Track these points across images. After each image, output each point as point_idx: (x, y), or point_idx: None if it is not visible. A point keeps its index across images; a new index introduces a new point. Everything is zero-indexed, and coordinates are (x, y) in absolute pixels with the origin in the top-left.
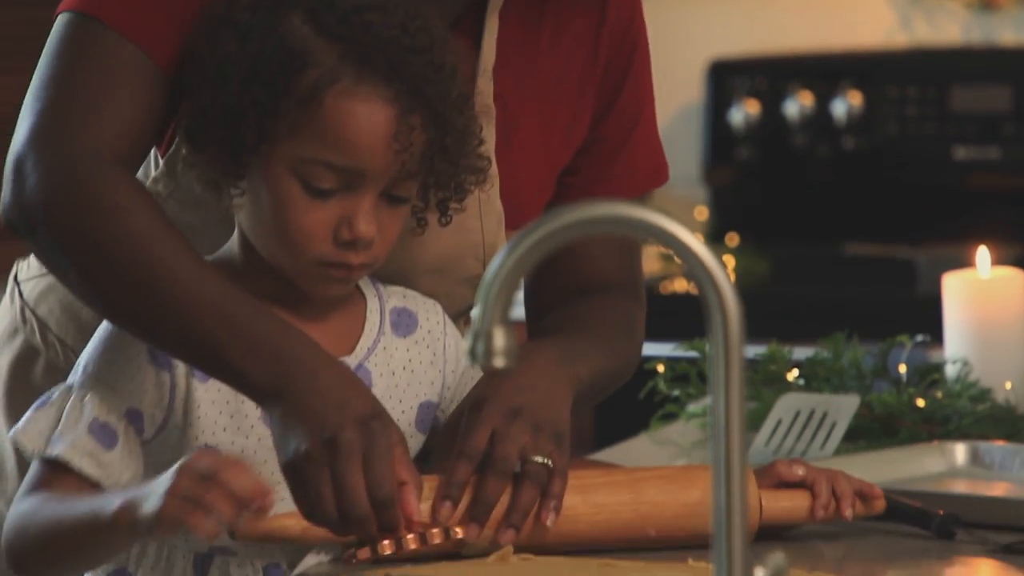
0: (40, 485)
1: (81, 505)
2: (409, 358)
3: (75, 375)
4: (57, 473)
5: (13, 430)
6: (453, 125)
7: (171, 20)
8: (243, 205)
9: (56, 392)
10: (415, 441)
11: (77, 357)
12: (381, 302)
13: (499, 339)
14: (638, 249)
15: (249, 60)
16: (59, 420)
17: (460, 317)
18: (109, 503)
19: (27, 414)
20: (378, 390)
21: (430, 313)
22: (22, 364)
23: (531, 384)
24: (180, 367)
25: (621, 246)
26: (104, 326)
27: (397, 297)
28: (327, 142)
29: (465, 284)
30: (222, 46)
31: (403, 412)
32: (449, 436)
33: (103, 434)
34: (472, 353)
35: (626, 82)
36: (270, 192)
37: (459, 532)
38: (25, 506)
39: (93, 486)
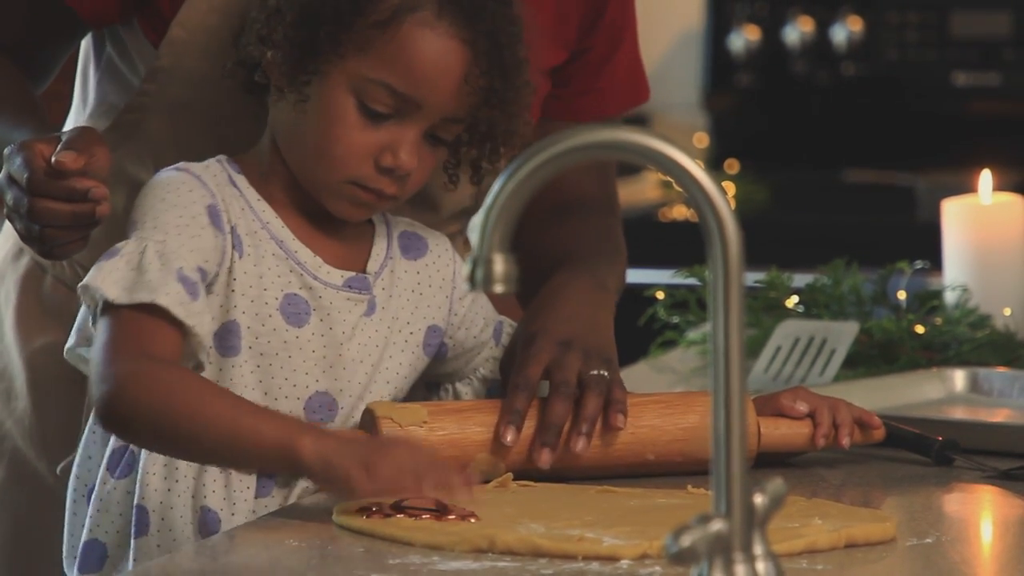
0: (128, 335)
1: (244, 415)
2: (418, 281)
3: (137, 229)
4: (142, 321)
5: (83, 281)
6: (513, 82)
7: None
8: (288, 108)
9: (123, 245)
10: (421, 363)
11: (83, 270)
12: (388, 227)
13: (499, 265)
14: (613, 165)
15: None
16: (137, 270)
17: (456, 216)
18: (279, 432)
19: (97, 265)
20: (387, 311)
21: (439, 240)
22: (30, 282)
23: (576, 314)
24: (229, 235)
25: (597, 161)
26: (148, 188)
27: (405, 224)
28: (395, 67)
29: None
30: None
31: (411, 333)
32: (503, 376)
33: (188, 284)
34: (472, 279)
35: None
36: (324, 105)
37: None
38: (163, 372)
39: (180, 334)
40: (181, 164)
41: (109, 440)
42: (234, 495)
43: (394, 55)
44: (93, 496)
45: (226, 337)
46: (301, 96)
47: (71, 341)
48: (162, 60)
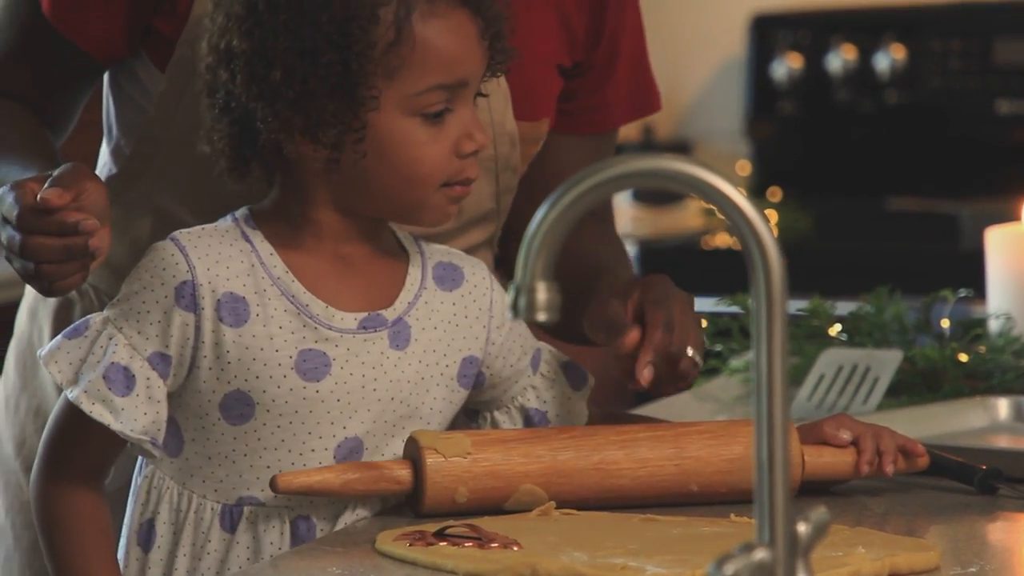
0: (63, 428)
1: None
2: (454, 312)
3: (114, 305)
4: (76, 413)
5: (40, 351)
6: (500, 12)
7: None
8: (346, 166)
9: (90, 321)
10: (457, 395)
11: (108, 298)
12: (423, 258)
13: (542, 294)
14: None
15: (325, 30)
16: (85, 357)
17: (478, 220)
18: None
19: (56, 339)
20: (420, 344)
21: (476, 268)
22: (62, 313)
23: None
24: (207, 309)
25: None
26: (148, 251)
27: (441, 253)
28: (432, 67)
29: (478, 167)
30: (296, 27)
31: (446, 366)
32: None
33: (120, 379)
34: (514, 307)
35: (607, 10)
36: (388, 141)
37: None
38: (64, 506)
39: (107, 431)
40: (180, 232)
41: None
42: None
43: (423, 59)
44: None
45: (233, 407)
46: (358, 151)
47: (43, 349)
48: (169, 83)
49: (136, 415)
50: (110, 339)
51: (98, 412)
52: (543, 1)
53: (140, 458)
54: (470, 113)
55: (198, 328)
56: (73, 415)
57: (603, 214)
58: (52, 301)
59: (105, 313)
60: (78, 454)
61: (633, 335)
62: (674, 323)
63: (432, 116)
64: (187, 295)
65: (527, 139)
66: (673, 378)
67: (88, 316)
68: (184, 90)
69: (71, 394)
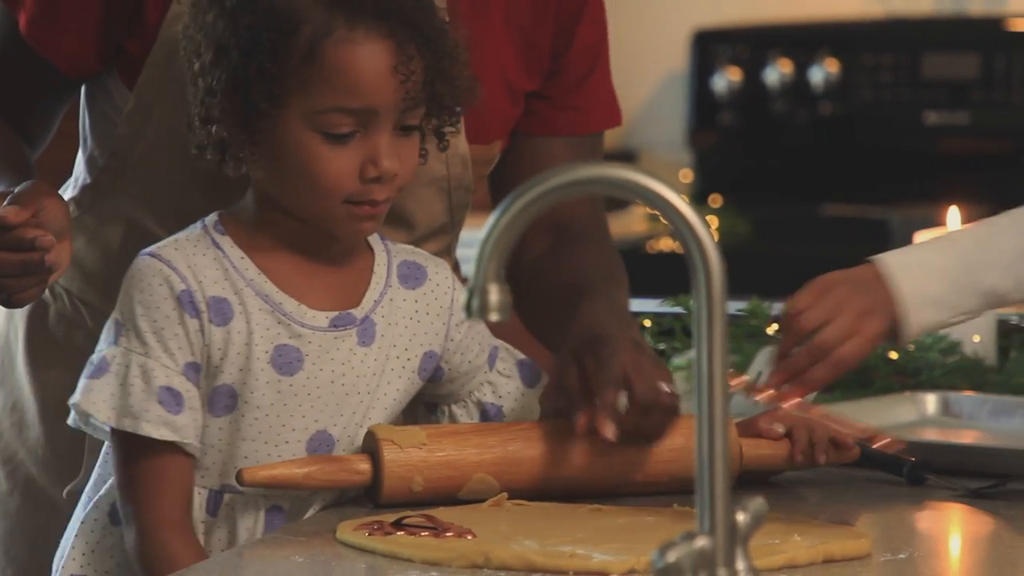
0: (131, 460)
1: None
2: (416, 309)
3: (118, 334)
4: (136, 443)
5: (73, 399)
6: (444, 47)
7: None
8: (258, 166)
9: (108, 357)
10: (414, 387)
11: (82, 303)
12: (389, 256)
13: (493, 295)
14: (599, 196)
15: (243, 35)
16: (122, 389)
17: (432, 234)
18: None
19: (85, 382)
20: (385, 339)
21: (439, 268)
22: (36, 316)
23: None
24: (205, 312)
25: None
26: (126, 278)
27: (406, 252)
28: (338, 90)
29: (430, 186)
30: (214, 27)
31: (408, 360)
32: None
33: (170, 399)
34: (468, 308)
35: (582, 18)
36: (293, 149)
37: None
38: (165, 547)
39: (173, 448)
40: (154, 248)
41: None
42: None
43: (331, 80)
44: (82, 531)
45: (219, 400)
46: (266, 154)
47: (76, 396)
48: (137, 102)
49: (192, 428)
50: (141, 367)
51: (167, 434)
52: (503, 25)
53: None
54: (382, 140)
55: (201, 331)
56: (142, 450)
57: (594, 233)
58: None
59: (121, 346)
60: (167, 488)
61: (581, 422)
62: (630, 376)
63: (335, 136)
64: (187, 302)
65: (478, 160)
66: (658, 419)
67: (100, 352)
68: (151, 109)
69: (133, 427)
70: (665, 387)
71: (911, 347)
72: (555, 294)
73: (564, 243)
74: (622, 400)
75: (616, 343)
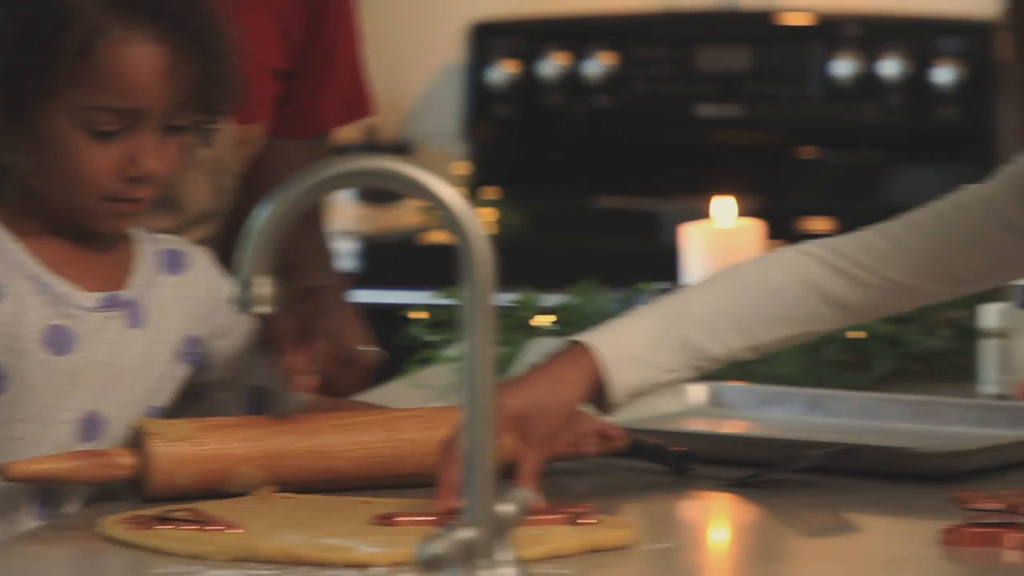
0: None
1: None
2: (181, 295)
3: None
4: None
5: None
6: (219, 52)
7: None
8: (20, 156)
9: None
10: (180, 372)
11: None
12: (152, 244)
13: (260, 288)
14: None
15: (18, 23)
16: None
17: (201, 218)
18: None
19: None
20: (152, 324)
21: (199, 254)
22: None
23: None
24: None
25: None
26: None
27: (168, 242)
28: (107, 89)
29: (197, 168)
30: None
31: (174, 344)
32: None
33: None
34: (235, 301)
35: (326, 20)
36: (55, 142)
37: None
38: None
39: None
40: None
41: None
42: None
43: (101, 79)
44: None
45: None
46: (30, 145)
47: None
48: None
49: None
50: None
51: None
52: (261, 5)
53: None
54: (147, 140)
55: None
56: None
57: (313, 215)
58: None
59: None
60: None
61: (289, 361)
62: (341, 330)
63: (100, 133)
64: None
65: (242, 141)
66: (354, 373)
67: None
68: None
69: None
70: (364, 348)
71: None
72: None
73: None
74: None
75: (327, 295)
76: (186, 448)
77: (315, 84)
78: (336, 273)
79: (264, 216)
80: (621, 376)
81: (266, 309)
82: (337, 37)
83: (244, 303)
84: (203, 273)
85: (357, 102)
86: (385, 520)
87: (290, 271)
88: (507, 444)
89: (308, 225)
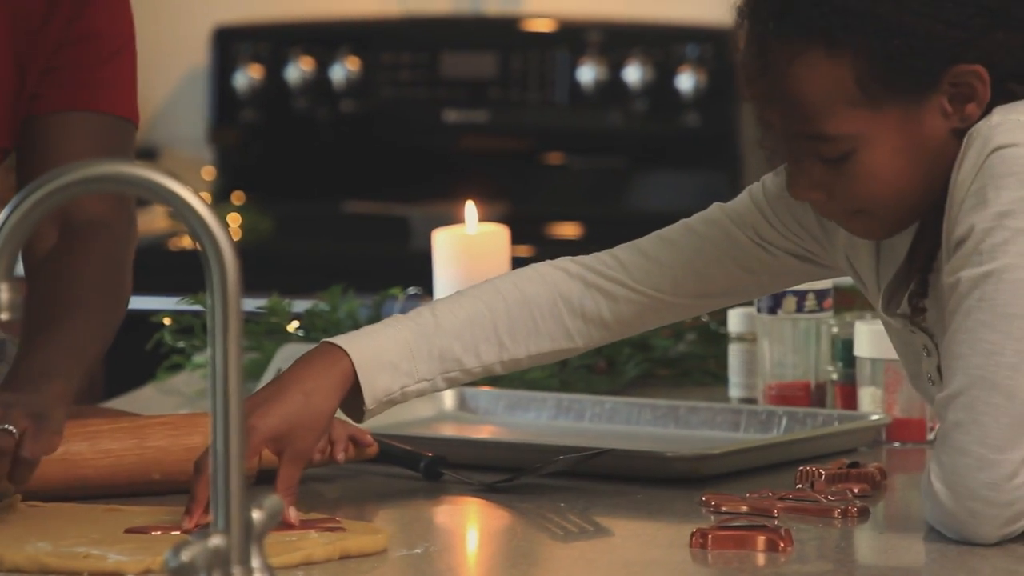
0: None
1: None
2: None
3: None
4: None
5: None
6: None
7: None
8: None
9: None
10: None
11: None
12: None
13: (3, 294)
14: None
15: None
16: None
17: None
18: None
19: None
20: None
21: None
22: None
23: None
24: None
25: None
26: None
27: None
28: None
29: None
30: None
31: None
32: None
33: None
34: None
35: (85, 10)
36: None
37: None
38: None
39: None
40: None
41: None
42: None
43: None
44: None
45: None
46: None
47: None
48: None
49: None
50: None
51: None
52: None
53: None
54: None
55: None
56: None
57: (111, 223)
58: None
59: None
60: None
61: None
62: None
63: None
64: None
65: None
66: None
67: None
68: None
69: None
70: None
71: None
72: (39, 309)
73: (70, 240)
74: None
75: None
76: None
77: (73, 85)
78: (116, 308)
79: (5, 221)
80: (375, 382)
81: (8, 315)
82: (104, 38)
83: None
84: None
85: (122, 113)
86: (138, 531)
87: (52, 316)
88: (264, 454)
89: (101, 235)
